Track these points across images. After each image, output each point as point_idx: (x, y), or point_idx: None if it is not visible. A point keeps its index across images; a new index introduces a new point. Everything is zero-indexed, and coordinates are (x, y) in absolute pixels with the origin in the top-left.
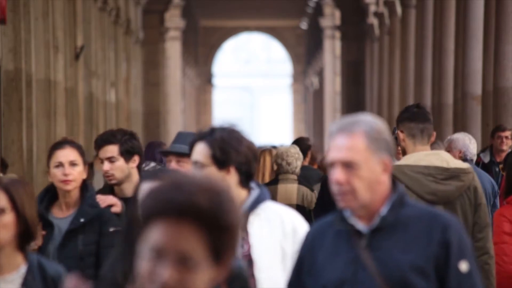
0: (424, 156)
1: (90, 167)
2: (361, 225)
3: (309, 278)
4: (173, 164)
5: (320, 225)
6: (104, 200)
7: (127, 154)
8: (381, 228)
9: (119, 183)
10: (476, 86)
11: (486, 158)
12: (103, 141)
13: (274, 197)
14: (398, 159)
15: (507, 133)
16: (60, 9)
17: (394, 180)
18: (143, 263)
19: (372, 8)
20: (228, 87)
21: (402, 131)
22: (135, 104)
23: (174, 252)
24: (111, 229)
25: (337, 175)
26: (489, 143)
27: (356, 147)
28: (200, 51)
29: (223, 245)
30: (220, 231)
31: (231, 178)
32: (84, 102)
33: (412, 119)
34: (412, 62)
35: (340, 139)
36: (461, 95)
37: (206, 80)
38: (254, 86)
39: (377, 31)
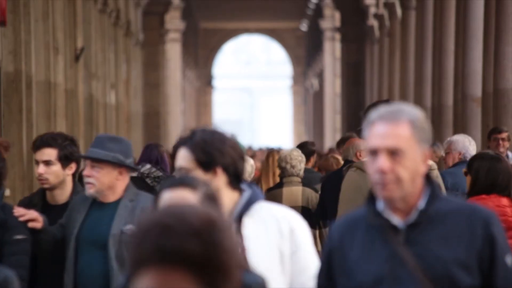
0: None
1: None
2: (396, 220)
3: (341, 277)
4: (87, 169)
5: (347, 221)
6: (23, 213)
7: (65, 160)
8: (419, 223)
9: (52, 188)
10: (476, 87)
11: None
12: (42, 142)
13: (279, 200)
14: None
15: (504, 135)
16: (60, 11)
17: (428, 173)
18: None
19: (372, 10)
20: (228, 89)
21: None
22: (135, 105)
23: None
24: (17, 237)
25: (381, 162)
26: (486, 146)
27: (402, 135)
28: (200, 53)
29: (219, 285)
30: (215, 273)
31: (219, 180)
32: (84, 104)
33: None
34: (412, 64)
35: (384, 127)
36: (461, 97)
37: (206, 81)
38: (254, 87)
39: (377, 32)
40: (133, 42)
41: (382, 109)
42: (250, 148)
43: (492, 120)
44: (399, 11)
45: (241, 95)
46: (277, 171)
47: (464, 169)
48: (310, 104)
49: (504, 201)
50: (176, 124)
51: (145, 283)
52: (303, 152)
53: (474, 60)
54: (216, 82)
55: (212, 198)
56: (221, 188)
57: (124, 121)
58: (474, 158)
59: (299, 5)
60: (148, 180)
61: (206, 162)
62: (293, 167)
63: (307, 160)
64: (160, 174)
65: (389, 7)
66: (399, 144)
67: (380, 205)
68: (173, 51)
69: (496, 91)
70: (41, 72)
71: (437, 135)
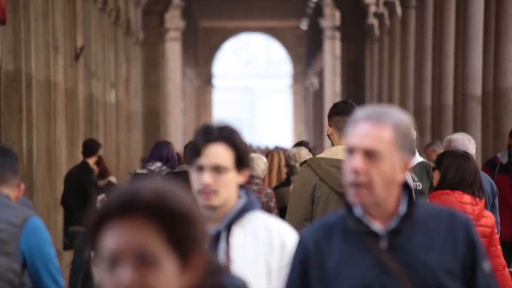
0: (341, 150)
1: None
2: (377, 226)
3: (320, 286)
4: None
5: (321, 227)
6: None
7: None
8: (400, 229)
9: None
10: (476, 87)
11: (504, 159)
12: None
13: (287, 198)
14: None
15: None
16: (60, 10)
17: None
18: (104, 276)
19: (372, 9)
20: (228, 88)
21: (330, 125)
22: (135, 105)
23: (130, 251)
24: None
25: (355, 162)
26: (507, 143)
27: (383, 137)
28: (200, 52)
29: (183, 237)
30: (173, 220)
31: (242, 182)
32: (84, 103)
33: (339, 113)
34: (412, 63)
35: (366, 126)
36: (461, 96)
37: (206, 80)
38: (254, 86)
39: (377, 31)
40: (133, 41)
41: (368, 109)
42: (250, 147)
43: (492, 119)
44: (399, 10)
45: (241, 94)
46: (275, 172)
47: (432, 165)
48: (310, 103)
49: (467, 198)
50: (176, 123)
51: (106, 240)
52: None
53: (474, 60)
54: (216, 81)
55: None
56: (236, 192)
57: (124, 120)
58: (444, 155)
59: (299, 4)
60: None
61: (243, 162)
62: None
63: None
64: (169, 171)
65: (389, 6)
66: (377, 146)
67: (358, 210)
68: (173, 50)
69: (496, 91)
70: (41, 72)
71: (437, 135)
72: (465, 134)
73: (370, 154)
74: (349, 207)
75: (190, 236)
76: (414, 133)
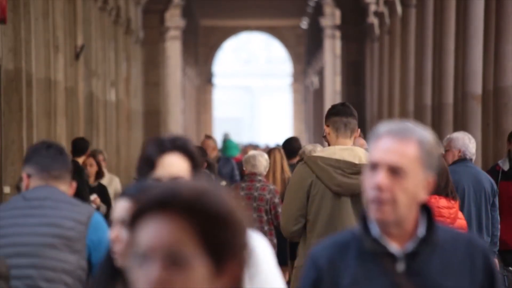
0: (338, 150)
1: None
2: (394, 247)
3: None
4: None
5: (335, 244)
6: None
7: None
8: (418, 251)
9: None
10: (476, 86)
11: (505, 166)
12: None
13: None
14: None
15: None
16: (60, 9)
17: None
18: (135, 272)
19: (372, 8)
20: (228, 87)
21: (328, 126)
22: (135, 103)
23: (161, 248)
24: None
25: (380, 178)
26: (507, 149)
27: (407, 154)
28: (200, 51)
29: (219, 241)
30: (210, 222)
31: None
32: (84, 102)
33: (337, 114)
34: (412, 62)
35: (390, 142)
36: (461, 95)
37: (206, 79)
38: (254, 85)
39: (377, 30)
40: (133, 40)
41: (391, 124)
42: (250, 145)
43: (492, 118)
44: (399, 9)
45: (241, 93)
46: (279, 171)
47: None
48: (310, 102)
49: (443, 202)
50: (176, 122)
51: (139, 235)
52: (290, 148)
53: (474, 59)
54: (216, 80)
55: None
56: None
57: (124, 119)
58: None
59: (299, 3)
60: None
61: (198, 171)
62: None
63: (295, 155)
64: None
65: (389, 5)
66: (402, 162)
67: (375, 229)
68: (173, 49)
69: (496, 90)
70: (41, 70)
71: (438, 134)
72: (465, 133)
73: (394, 171)
74: (365, 226)
75: (227, 240)
76: (439, 151)
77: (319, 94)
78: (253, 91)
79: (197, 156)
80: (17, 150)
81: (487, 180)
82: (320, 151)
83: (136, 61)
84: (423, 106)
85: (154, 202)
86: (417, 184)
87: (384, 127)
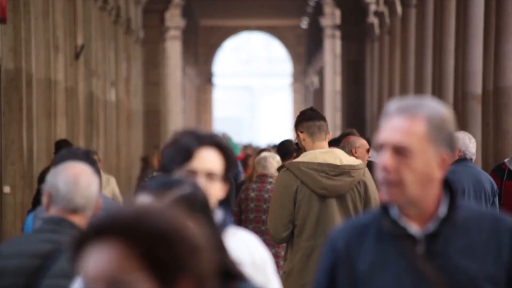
0: (319, 154)
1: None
2: (414, 228)
3: None
4: None
5: (354, 227)
6: None
7: None
8: (439, 232)
9: None
10: (476, 85)
11: (511, 165)
12: None
13: None
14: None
15: None
16: (60, 9)
17: (446, 178)
18: None
19: (372, 8)
20: (228, 87)
21: (301, 132)
22: (135, 103)
23: (103, 278)
24: None
25: (385, 160)
26: None
27: (414, 132)
28: (200, 51)
29: (164, 260)
30: (151, 243)
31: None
32: (84, 102)
33: (309, 119)
34: (413, 62)
35: (397, 120)
36: (461, 95)
37: (206, 79)
38: (254, 85)
39: (377, 30)
40: (133, 40)
41: (401, 101)
42: (249, 146)
43: (492, 118)
44: (399, 9)
45: (241, 92)
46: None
47: None
48: (310, 102)
49: None
50: (176, 122)
51: (85, 262)
52: (285, 149)
53: (475, 58)
54: (216, 80)
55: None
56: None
57: (124, 119)
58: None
59: (299, 3)
60: None
61: (229, 174)
62: None
63: (289, 157)
64: None
65: (389, 4)
66: (408, 142)
67: (395, 211)
68: (173, 48)
69: (497, 89)
70: (41, 70)
71: None
72: (465, 133)
73: (399, 151)
74: (385, 207)
75: (174, 259)
76: (453, 125)
77: (319, 94)
78: (253, 91)
79: (232, 155)
80: (17, 150)
81: (487, 180)
82: (301, 156)
83: (136, 61)
84: None
85: (92, 230)
86: (428, 162)
87: (393, 105)
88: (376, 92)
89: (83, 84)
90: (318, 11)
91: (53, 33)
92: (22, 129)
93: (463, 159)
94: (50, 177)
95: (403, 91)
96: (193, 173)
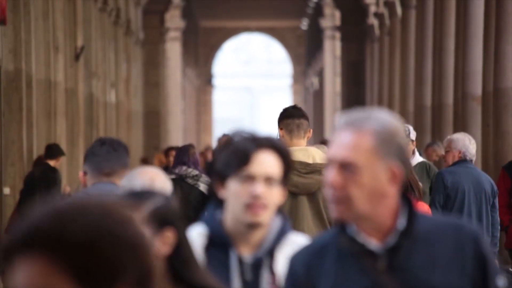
0: (293, 152)
1: None
2: (374, 243)
3: None
4: None
5: (312, 249)
6: None
7: None
8: (400, 246)
9: None
10: (476, 86)
11: None
12: None
13: None
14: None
15: None
16: (60, 10)
17: (403, 191)
18: None
19: (372, 9)
20: (228, 88)
21: (281, 129)
22: (135, 104)
23: None
24: None
25: (331, 177)
26: None
27: (361, 146)
28: (200, 52)
29: (94, 267)
30: (76, 250)
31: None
32: (84, 103)
33: (289, 116)
34: (412, 63)
35: (344, 135)
36: (461, 96)
37: (206, 80)
38: (254, 86)
39: (377, 31)
40: (133, 41)
41: (351, 114)
42: None
43: (492, 119)
44: (399, 10)
45: (241, 94)
46: None
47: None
48: (310, 103)
49: None
50: (176, 123)
51: (13, 276)
52: None
53: (474, 59)
54: (216, 81)
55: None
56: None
57: (124, 120)
58: None
59: (299, 4)
60: (189, 180)
61: (287, 178)
62: None
63: None
64: (197, 172)
65: (389, 6)
66: (354, 157)
67: (352, 227)
68: (173, 49)
69: (496, 90)
70: (41, 71)
71: (437, 134)
72: (465, 134)
73: (346, 167)
74: (342, 225)
75: (107, 265)
76: (403, 137)
77: (319, 95)
78: (253, 92)
79: (290, 158)
80: (17, 151)
81: (487, 181)
82: None
83: (136, 62)
84: (423, 107)
85: (17, 243)
86: (377, 177)
87: (342, 118)
88: (376, 93)
89: (83, 85)
90: (318, 12)
91: (53, 34)
92: (22, 129)
93: (463, 160)
94: (125, 182)
95: (403, 92)
96: (251, 178)
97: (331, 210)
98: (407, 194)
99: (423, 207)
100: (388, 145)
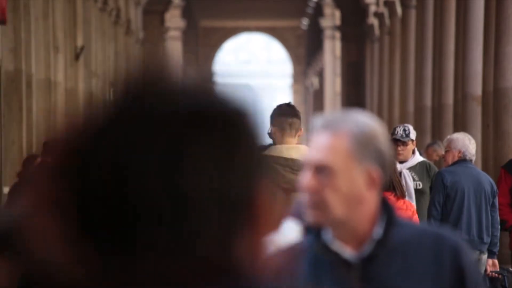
0: (285, 149)
1: None
2: (348, 252)
3: None
4: None
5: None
6: None
7: None
8: (375, 255)
9: None
10: (476, 87)
11: None
12: None
13: None
14: (397, 160)
15: None
16: (60, 10)
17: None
18: None
19: (372, 9)
20: None
21: (274, 126)
22: None
23: None
24: None
25: (306, 180)
26: None
27: (336, 149)
28: (200, 51)
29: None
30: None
31: None
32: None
33: (282, 114)
34: (413, 63)
35: (320, 137)
36: (461, 96)
37: None
38: (254, 86)
39: (377, 31)
40: (133, 41)
41: (326, 116)
42: None
43: (492, 119)
44: (399, 9)
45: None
46: None
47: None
48: (310, 103)
49: (392, 199)
50: None
51: None
52: None
53: (475, 60)
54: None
55: None
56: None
57: None
58: None
59: (299, 4)
60: None
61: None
62: None
63: None
64: None
65: (389, 5)
66: (329, 160)
67: (328, 235)
68: (173, 49)
69: (496, 91)
70: (41, 71)
71: (438, 135)
72: (465, 134)
73: (321, 170)
74: (318, 231)
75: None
76: (382, 140)
77: (319, 95)
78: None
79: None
80: (17, 151)
81: (487, 180)
82: (268, 150)
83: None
84: (423, 107)
85: None
86: (353, 181)
87: (319, 120)
88: (376, 93)
89: (83, 85)
90: (318, 12)
91: (53, 34)
92: (22, 129)
93: (463, 160)
94: None
95: (403, 92)
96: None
97: (307, 215)
98: (388, 193)
99: (407, 206)
100: (365, 148)
